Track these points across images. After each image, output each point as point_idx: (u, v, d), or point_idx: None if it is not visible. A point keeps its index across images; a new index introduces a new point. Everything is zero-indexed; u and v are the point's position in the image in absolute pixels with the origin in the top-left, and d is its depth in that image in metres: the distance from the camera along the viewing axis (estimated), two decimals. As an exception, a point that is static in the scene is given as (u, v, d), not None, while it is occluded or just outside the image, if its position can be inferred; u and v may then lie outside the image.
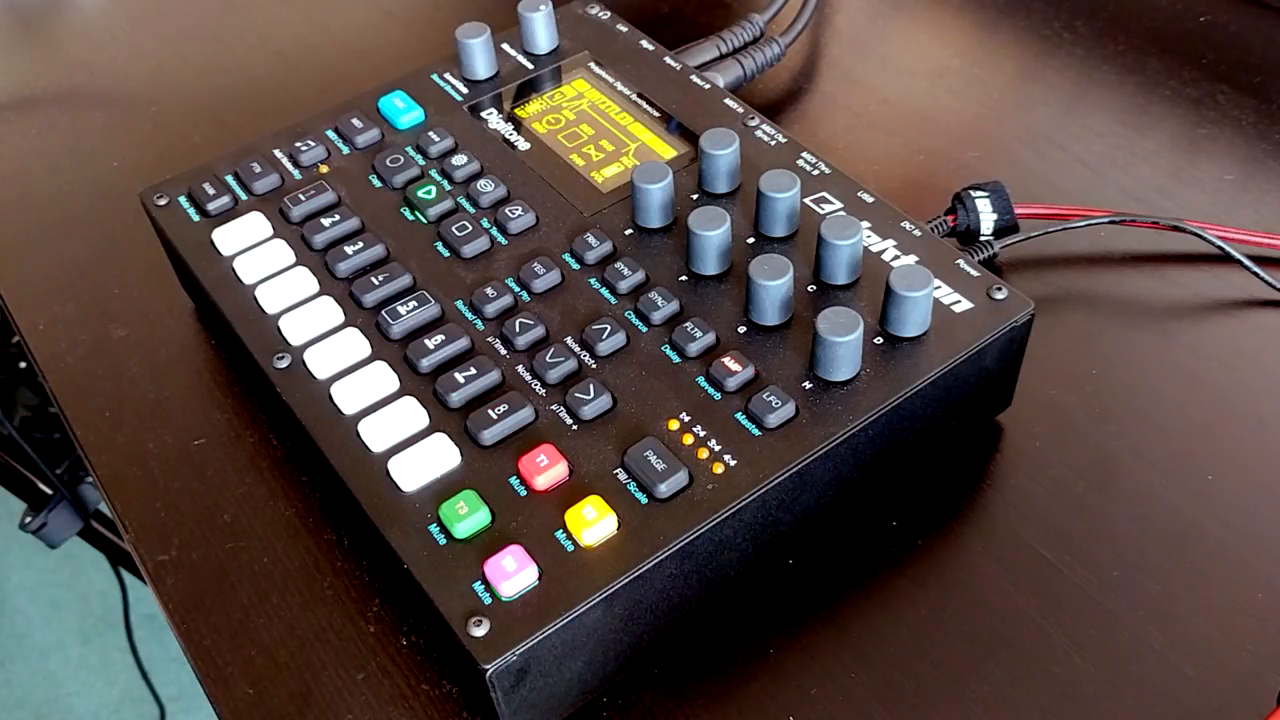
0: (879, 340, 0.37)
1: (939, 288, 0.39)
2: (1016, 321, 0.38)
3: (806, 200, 0.42)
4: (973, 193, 0.46)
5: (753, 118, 0.46)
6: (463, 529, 0.34)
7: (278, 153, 0.46)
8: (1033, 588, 0.37)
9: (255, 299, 0.41)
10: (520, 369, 0.38)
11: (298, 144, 0.46)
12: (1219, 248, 0.45)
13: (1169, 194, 0.49)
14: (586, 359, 0.38)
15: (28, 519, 1.03)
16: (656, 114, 0.47)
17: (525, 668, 0.32)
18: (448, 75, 0.50)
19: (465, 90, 0.49)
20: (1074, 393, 0.42)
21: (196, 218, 0.44)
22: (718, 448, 0.35)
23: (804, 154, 0.44)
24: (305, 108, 0.50)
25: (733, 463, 0.35)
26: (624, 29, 0.51)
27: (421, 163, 0.45)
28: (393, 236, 0.43)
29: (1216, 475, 0.40)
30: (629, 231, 0.42)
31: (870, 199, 0.42)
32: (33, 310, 0.48)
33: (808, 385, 0.36)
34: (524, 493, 0.35)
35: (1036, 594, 0.37)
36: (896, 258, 0.40)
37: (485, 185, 0.44)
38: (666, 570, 0.33)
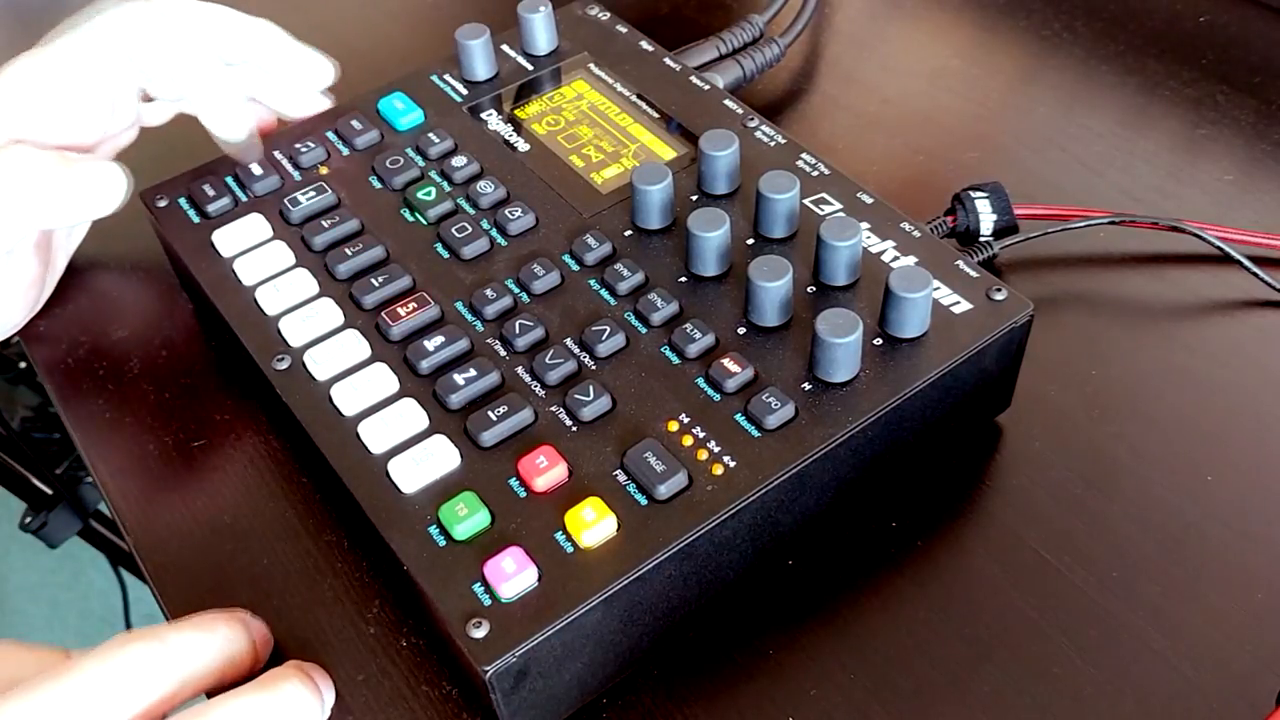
0: (878, 341, 0.37)
1: (938, 289, 0.39)
2: (1016, 322, 0.38)
3: (806, 201, 0.42)
4: (972, 193, 0.46)
5: (752, 118, 0.46)
6: (462, 530, 0.34)
7: (277, 154, 0.46)
8: (1032, 588, 0.37)
9: (255, 300, 0.41)
10: (520, 370, 0.38)
11: (297, 145, 0.46)
12: (1218, 248, 0.45)
13: (1169, 194, 0.49)
14: (586, 360, 0.38)
15: (28, 519, 1.03)
16: (656, 115, 0.47)
17: (525, 669, 0.32)
18: (447, 76, 0.49)
19: (465, 91, 0.49)
20: (1074, 393, 0.42)
21: (196, 219, 0.44)
22: (717, 449, 0.35)
23: (803, 155, 0.44)
24: (305, 108, 0.50)
25: (732, 464, 0.35)
26: (624, 30, 0.51)
27: (421, 164, 0.45)
28: (392, 238, 0.43)
29: (1216, 475, 0.40)
30: (628, 233, 0.42)
31: (870, 200, 0.42)
32: (33, 311, 0.48)
33: (807, 386, 0.36)
34: (523, 494, 0.35)
35: (1036, 595, 0.37)
36: (896, 259, 0.40)
37: (485, 186, 0.44)
38: (666, 571, 0.33)
